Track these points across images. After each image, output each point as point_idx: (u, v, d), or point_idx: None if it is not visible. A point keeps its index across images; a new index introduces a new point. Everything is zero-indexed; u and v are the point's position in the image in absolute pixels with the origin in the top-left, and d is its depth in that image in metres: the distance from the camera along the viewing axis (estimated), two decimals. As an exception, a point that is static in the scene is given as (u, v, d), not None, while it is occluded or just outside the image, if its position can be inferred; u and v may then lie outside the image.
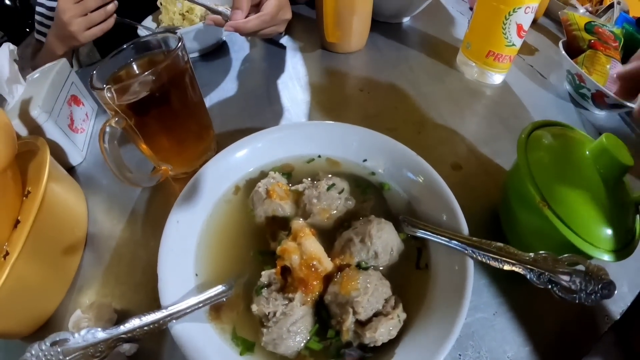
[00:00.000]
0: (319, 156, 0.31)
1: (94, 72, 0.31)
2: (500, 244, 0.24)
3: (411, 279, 0.26)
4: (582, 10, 0.90)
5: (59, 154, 0.45)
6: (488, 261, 0.24)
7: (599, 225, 0.25)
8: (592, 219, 0.25)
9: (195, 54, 0.62)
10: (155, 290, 0.26)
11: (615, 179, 0.26)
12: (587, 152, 0.27)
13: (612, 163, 0.25)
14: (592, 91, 0.51)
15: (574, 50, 0.59)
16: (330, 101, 0.50)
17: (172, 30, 0.34)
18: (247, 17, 0.47)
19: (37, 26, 0.76)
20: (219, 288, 0.25)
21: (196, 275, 0.26)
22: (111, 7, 0.57)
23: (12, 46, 0.44)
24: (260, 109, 0.49)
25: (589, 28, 0.60)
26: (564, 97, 0.56)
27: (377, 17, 0.67)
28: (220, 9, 0.50)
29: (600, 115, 0.53)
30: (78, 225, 0.38)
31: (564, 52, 0.56)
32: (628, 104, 0.48)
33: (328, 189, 0.28)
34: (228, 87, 0.54)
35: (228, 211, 0.29)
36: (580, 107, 0.54)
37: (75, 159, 0.47)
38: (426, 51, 0.61)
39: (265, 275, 0.25)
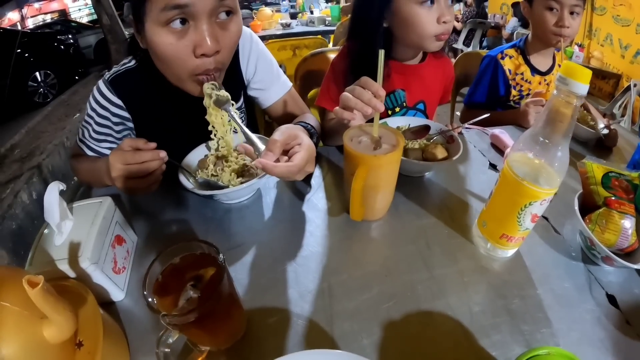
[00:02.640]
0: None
1: (145, 289, 0.36)
2: None
3: None
4: (601, 125, 0.94)
5: (102, 293, 0.49)
6: None
7: None
8: None
9: (232, 202, 0.67)
10: None
11: None
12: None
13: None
14: (602, 255, 0.54)
15: (590, 204, 0.61)
16: (349, 281, 0.53)
17: (214, 245, 0.38)
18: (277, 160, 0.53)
19: (80, 135, 0.79)
20: None
21: None
22: (155, 177, 0.60)
23: (61, 185, 0.48)
24: (286, 287, 0.52)
25: (605, 181, 0.61)
26: (576, 254, 0.59)
27: (400, 171, 0.71)
28: (255, 139, 0.56)
29: (611, 268, 0.56)
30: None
31: (577, 208, 0.59)
32: (634, 266, 0.52)
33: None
34: (259, 253, 0.58)
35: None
36: (591, 262, 0.57)
37: (117, 296, 0.51)
38: (444, 217, 0.64)
39: None
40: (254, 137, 0.58)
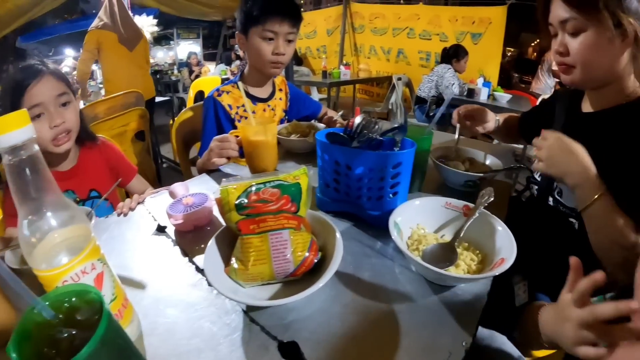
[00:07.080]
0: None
1: None
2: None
3: None
4: (337, 115, 1.10)
5: None
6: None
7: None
8: None
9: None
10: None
11: None
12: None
13: None
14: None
15: (235, 239, 0.49)
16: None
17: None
18: None
19: None
20: None
21: None
22: None
23: None
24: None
25: (240, 202, 0.47)
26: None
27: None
28: None
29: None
30: None
31: (205, 255, 0.48)
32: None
33: None
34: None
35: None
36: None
37: None
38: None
39: None
40: None
